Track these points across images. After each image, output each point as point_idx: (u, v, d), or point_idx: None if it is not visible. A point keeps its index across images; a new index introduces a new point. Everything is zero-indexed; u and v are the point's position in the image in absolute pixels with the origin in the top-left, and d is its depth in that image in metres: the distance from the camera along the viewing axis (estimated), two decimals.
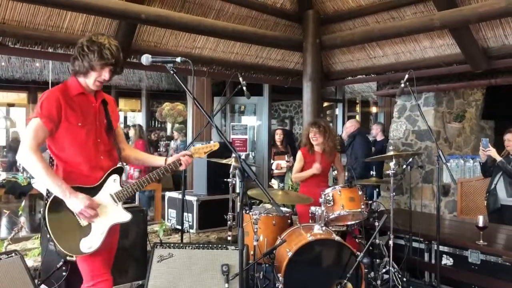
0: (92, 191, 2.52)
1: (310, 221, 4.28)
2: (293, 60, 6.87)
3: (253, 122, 9.70)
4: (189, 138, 7.04)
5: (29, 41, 4.67)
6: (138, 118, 14.57)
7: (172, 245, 3.63)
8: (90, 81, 2.54)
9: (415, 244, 4.40)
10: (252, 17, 5.93)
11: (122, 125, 14.48)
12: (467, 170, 7.01)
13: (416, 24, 5.21)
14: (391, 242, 4.05)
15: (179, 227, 4.92)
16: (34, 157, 2.38)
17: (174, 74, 2.55)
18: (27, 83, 11.11)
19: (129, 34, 5.08)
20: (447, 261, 4.16)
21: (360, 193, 4.18)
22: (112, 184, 2.60)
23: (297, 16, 6.27)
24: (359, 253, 3.64)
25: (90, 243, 2.46)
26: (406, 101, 7.34)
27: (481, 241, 3.85)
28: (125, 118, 15.76)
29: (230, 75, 5.61)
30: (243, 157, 8.34)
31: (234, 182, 4.19)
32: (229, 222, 4.25)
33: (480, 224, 3.84)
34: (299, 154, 4.80)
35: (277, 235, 4.12)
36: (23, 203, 5.41)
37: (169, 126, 13.01)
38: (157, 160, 2.89)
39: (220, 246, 3.74)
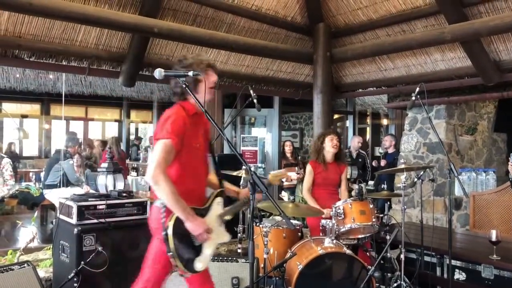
0: (203, 212, 2.61)
1: (321, 234, 4.26)
2: (304, 73, 6.90)
3: (263, 134, 9.73)
4: None
5: (44, 54, 4.77)
6: (150, 129, 14.68)
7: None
8: (201, 93, 2.63)
9: (426, 258, 4.35)
10: (263, 30, 5.99)
11: (133, 137, 14.61)
12: (479, 183, 6.93)
13: (427, 37, 5.22)
14: (402, 256, 4.01)
15: None
16: (164, 181, 2.41)
17: (187, 88, 2.57)
18: (40, 95, 11.28)
19: (142, 47, 5.16)
20: (459, 275, 4.10)
21: (371, 206, 4.16)
22: (217, 207, 2.71)
23: (308, 30, 6.32)
24: (370, 267, 3.61)
25: (203, 262, 2.56)
26: (417, 113, 7.32)
27: (495, 256, 3.79)
28: (137, 129, 15.89)
29: (241, 88, 5.65)
30: (253, 169, 8.36)
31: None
32: (239, 235, 4.24)
33: (493, 238, 3.79)
34: (308, 167, 4.78)
35: (288, 248, 4.10)
36: (35, 214, 5.46)
37: None
38: (233, 191, 2.98)
39: (230, 258, 3.75)
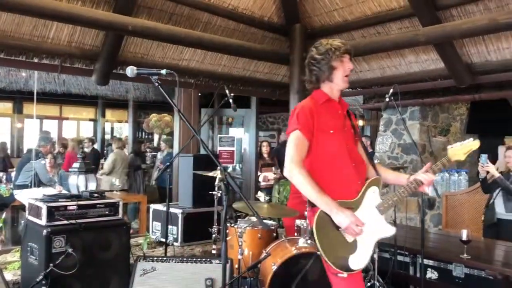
0: (354, 205, 2.42)
1: (296, 234, 4.26)
2: (281, 73, 6.91)
3: (240, 134, 9.71)
4: (176, 150, 7.01)
5: (14, 51, 4.63)
6: (125, 129, 14.49)
7: (155, 258, 3.58)
8: (338, 80, 2.51)
9: (400, 258, 4.40)
10: (239, 30, 5.97)
11: (108, 136, 14.41)
12: (452, 183, 7.07)
13: (401, 39, 5.28)
14: (376, 256, 4.04)
15: (164, 240, 4.86)
16: (301, 174, 2.32)
17: (159, 86, 2.53)
18: (12, 93, 10.99)
19: (116, 45, 5.07)
20: (431, 274, 4.16)
21: None
22: (372, 196, 2.48)
23: (284, 30, 6.32)
24: None
25: (359, 259, 2.36)
26: (391, 114, 7.42)
27: (465, 255, 3.86)
28: (112, 129, 15.67)
29: (217, 87, 5.62)
30: (230, 169, 8.29)
31: (219, 195, 4.17)
32: (214, 235, 4.21)
33: (464, 238, 3.86)
34: None
35: (263, 248, 4.08)
36: (3, 215, 5.32)
37: (156, 137, 12.95)
38: (401, 179, 2.67)
39: (204, 259, 3.70)
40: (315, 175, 2.39)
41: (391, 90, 3.87)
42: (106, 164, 8.18)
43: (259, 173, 7.81)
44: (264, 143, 8.03)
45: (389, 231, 2.49)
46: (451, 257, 4.00)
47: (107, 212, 3.82)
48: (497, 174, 4.75)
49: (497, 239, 4.68)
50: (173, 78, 2.47)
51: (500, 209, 4.79)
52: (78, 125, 14.75)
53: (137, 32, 4.79)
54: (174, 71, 2.48)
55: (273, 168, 7.74)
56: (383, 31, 5.71)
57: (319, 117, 2.43)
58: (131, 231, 4.80)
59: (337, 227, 2.33)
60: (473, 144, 2.57)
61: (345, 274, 2.35)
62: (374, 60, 6.12)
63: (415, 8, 5.09)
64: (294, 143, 2.37)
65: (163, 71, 2.46)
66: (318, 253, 2.28)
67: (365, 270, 4.21)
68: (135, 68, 2.50)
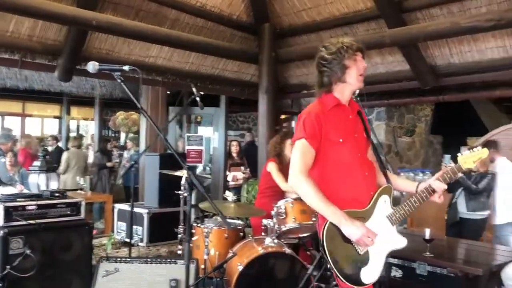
0: (365, 215, 2.28)
1: (263, 234, 4.25)
2: (250, 72, 6.89)
3: (209, 133, 9.65)
4: (142, 149, 6.89)
5: None
6: (92, 127, 14.17)
7: (119, 259, 3.49)
8: (352, 80, 2.33)
9: None
10: (208, 27, 5.92)
11: (74, 134, 14.06)
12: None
13: (367, 41, 5.31)
14: None
15: (129, 240, 4.77)
16: (308, 183, 2.18)
17: (122, 83, 2.46)
18: None
19: (79, 40, 4.95)
20: (396, 272, 4.21)
21: None
22: (383, 206, 2.33)
23: (253, 29, 6.32)
24: (309, 266, 3.64)
25: (371, 273, 2.22)
26: None
27: (428, 253, 3.92)
28: (78, 127, 15.30)
29: (185, 85, 5.55)
30: (200, 169, 8.21)
31: (186, 194, 4.10)
32: (180, 236, 4.15)
33: (427, 236, 3.92)
34: (274, 165, 4.62)
35: (229, 248, 4.05)
36: None
37: (123, 135, 12.72)
38: (410, 187, 2.54)
39: (169, 260, 3.64)
40: (324, 185, 2.26)
41: (357, 91, 3.89)
42: (61, 163, 7.98)
43: (228, 173, 7.77)
44: (234, 143, 7.99)
45: (401, 242, 2.38)
46: (414, 256, 4.05)
47: (68, 212, 3.71)
48: (459, 174, 4.86)
49: (460, 238, 4.79)
50: (137, 75, 2.41)
51: (462, 208, 4.91)
52: (42, 123, 14.33)
53: (102, 27, 4.68)
54: (140, 68, 2.41)
55: (242, 167, 7.72)
56: (351, 32, 5.76)
57: (327, 124, 2.27)
58: (95, 231, 4.69)
59: (348, 239, 2.18)
60: (482, 152, 2.49)
61: None
62: None
63: (381, 10, 5.17)
64: (300, 152, 2.24)
65: (126, 68, 2.40)
66: (329, 266, 2.16)
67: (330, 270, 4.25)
68: (97, 63, 2.42)
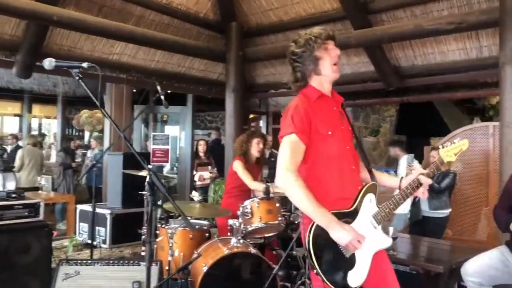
0: (351, 215, 2.14)
1: (229, 234, 4.21)
2: (217, 71, 6.84)
3: (176, 132, 9.53)
4: (106, 148, 6.74)
5: None
6: (54, 125, 13.78)
7: (79, 261, 3.39)
8: (326, 71, 2.18)
9: None
10: (174, 25, 5.84)
11: (35, 133, 13.64)
12: None
13: None
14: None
15: (90, 241, 4.65)
16: (297, 184, 2.03)
17: (80, 81, 2.37)
18: None
19: (39, 36, 4.79)
20: None
21: (277, 205, 4.18)
22: (369, 205, 2.20)
23: (221, 28, 6.27)
24: (275, 266, 3.63)
25: (358, 275, 2.11)
26: None
27: (391, 251, 3.98)
28: (40, 125, 14.85)
29: (150, 83, 5.46)
30: (167, 168, 8.06)
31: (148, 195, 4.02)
32: (143, 237, 4.07)
33: (390, 234, 3.97)
34: (240, 163, 4.54)
35: (194, 249, 4.00)
36: None
37: (87, 134, 12.42)
38: (392, 182, 2.42)
39: (132, 262, 3.57)
40: (313, 182, 2.15)
41: None
42: (16, 160, 7.73)
43: (195, 172, 7.70)
44: (201, 142, 7.91)
45: (386, 242, 2.25)
46: None
47: (26, 214, 3.58)
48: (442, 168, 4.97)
49: (422, 235, 4.90)
50: (96, 72, 2.33)
51: (424, 207, 5.01)
52: (1, 121, 13.84)
53: (63, 23, 4.54)
54: (104, 65, 2.34)
55: (209, 167, 7.66)
56: None
57: (315, 117, 2.13)
58: (56, 233, 4.55)
59: (334, 243, 2.08)
60: (462, 144, 2.42)
61: None
62: None
63: (347, 11, 5.22)
64: (289, 148, 2.08)
65: (85, 65, 2.31)
66: (315, 271, 2.05)
67: (297, 268, 4.26)
68: (53, 60, 2.33)
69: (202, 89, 6.93)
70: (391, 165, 8.12)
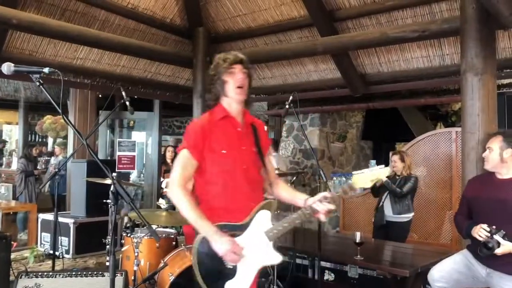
0: (240, 229, 2.26)
1: None
2: (184, 77, 6.78)
3: (142, 138, 9.37)
4: (69, 155, 6.55)
5: None
6: (15, 131, 13.31)
7: (40, 273, 3.27)
8: (231, 93, 2.31)
9: (299, 261, 4.48)
10: (140, 30, 5.74)
11: None
12: None
13: (301, 48, 5.43)
14: None
15: (51, 252, 4.49)
16: (180, 193, 2.20)
17: (41, 86, 2.28)
18: None
19: None
20: (329, 276, 4.28)
21: None
22: (262, 221, 2.30)
23: (188, 33, 6.21)
24: None
25: (237, 286, 2.20)
26: (294, 121, 7.62)
27: (359, 256, 4.01)
28: (1, 131, 14.33)
29: (114, 89, 5.34)
30: (134, 175, 7.92)
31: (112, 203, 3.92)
32: (108, 246, 3.96)
33: (357, 240, 4.01)
34: None
35: (161, 258, 3.93)
36: None
37: (50, 140, 12.05)
38: (298, 201, 2.46)
39: (96, 273, 3.46)
40: (205, 194, 2.33)
41: (290, 98, 3.93)
42: None
43: (162, 179, 7.58)
44: (169, 148, 7.81)
45: (275, 259, 2.33)
46: (346, 259, 4.15)
47: None
48: (384, 178, 5.02)
49: (386, 240, 4.96)
50: (59, 77, 2.25)
51: (388, 212, 5.07)
52: None
53: (23, 26, 4.38)
54: (67, 70, 2.26)
55: None
56: (285, 39, 5.83)
57: (211, 135, 2.30)
58: (15, 244, 4.38)
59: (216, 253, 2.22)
60: (382, 172, 2.43)
61: None
62: (276, 67, 6.24)
63: (314, 19, 5.27)
64: (180, 162, 2.28)
65: (46, 70, 2.22)
66: (196, 278, 2.20)
67: (265, 275, 4.24)
68: (12, 64, 2.24)
69: (169, 94, 6.84)
70: (358, 169, 8.24)
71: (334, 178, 7.33)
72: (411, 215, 5.05)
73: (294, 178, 4.51)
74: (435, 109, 9.02)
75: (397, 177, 5.04)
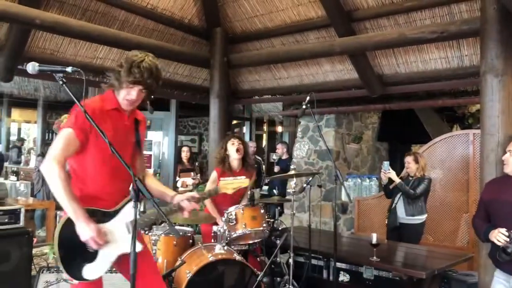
0: (107, 216, 2.37)
1: (213, 241, 4.19)
2: (201, 77, 6.83)
3: (159, 138, 9.46)
4: None
5: None
6: (34, 130, 13.53)
7: (61, 269, 3.32)
8: (121, 99, 2.42)
9: (314, 262, 4.49)
10: (158, 30, 5.81)
11: (14, 137, 13.39)
12: (363, 188, 7.39)
13: (318, 49, 5.44)
14: (291, 260, 4.08)
15: None
16: (57, 171, 2.19)
17: (64, 85, 2.33)
18: None
19: (21, 39, 4.71)
20: (344, 277, 4.29)
21: (262, 211, 4.18)
22: (130, 211, 2.36)
23: (205, 33, 6.27)
24: (259, 272, 3.62)
25: (95, 269, 2.30)
26: (309, 121, 7.62)
27: (375, 258, 4.01)
28: (19, 130, 14.58)
29: None
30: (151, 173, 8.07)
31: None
32: None
33: (373, 241, 4.01)
34: (214, 175, 4.54)
35: (178, 256, 3.97)
36: None
37: None
38: (166, 196, 2.63)
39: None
40: (80, 177, 2.38)
41: (307, 98, 3.94)
42: None
43: (177, 178, 7.64)
44: (185, 148, 7.88)
45: (136, 247, 2.43)
46: (361, 260, 4.15)
47: (6, 220, 3.52)
48: (397, 180, 5.01)
49: (399, 241, 4.95)
50: (81, 76, 2.29)
51: (401, 213, 5.04)
52: None
53: (46, 26, 4.47)
54: (87, 70, 2.31)
55: (192, 173, 7.62)
56: (302, 40, 5.85)
57: (100, 122, 2.29)
58: (35, 240, 4.46)
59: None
60: (242, 182, 2.81)
61: (75, 282, 2.33)
62: (293, 68, 6.25)
63: (331, 19, 5.27)
64: (64, 140, 2.27)
65: (69, 69, 2.26)
66: (54, 256, 2.26)
67: (280, 275, 4.25)
68: (36, 64, 2.29)
69: (186, 94, 6.90)
70: (373, 171, 8.20)
71: (349, 180, 7.32)
72: (424, 217, 5.03)
73: (310, 178, 4.50)
74: (451, 111, 8.93)
75: (411, 178, 5.02)
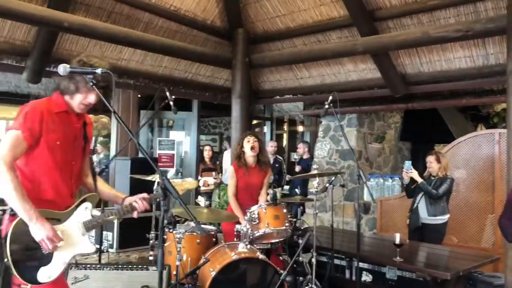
0: (62, 217, 2.37)
1: (236, 239, 4.23)
2: (223, 77, 6.88)
3: (181, 138, 9.58)
4: (113, 153, 6.77)
5: None
6: None
7: (88, 266, 3.42)
8: (74, 102, 2.42)
9: (337, 261, 4.49)
10: (181, 31, 5.88)
11: None
12: (386, 188, 7.34)
13: (340, 48, 5.43)
14: (314, 260, 4.10)
15: (98, 246, 4.67)
16: (9, 175, 2.18)
17: (94, 86, 2.40)
18: None
19: (49, 41, 4.84)
20: (366, 277, 4.28)
21: (284, 211, 4.21)
22: (83, 213, 2.45)
23: (227, 34, 6.31)
24: (282, 271, 3.65)
25: (50, 272, 2.27)
26: (330, 121, 7.60)
27: (398, 258, 3.99)
28: None
29: (158, 89, 5.49)
30: (172, 173, 8.16)
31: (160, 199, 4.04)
32: (151, 241, 4.09)
33: (397, 241, 3.99)
34: (231, 170, 4.67)
35: (202, 254, 4.02)
36: None
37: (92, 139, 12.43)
38: (118, 198, 2.66)
39: (140, 267, 3.60)
40: (31, 180, 2.35)
41: (330, 98, 3.95)
42: None
43: (199, 178, 7.73)
44: (207, 147, 7.96)
45: (88, 249, 2.47)
46: (384, 260, 4.13)
47: None
48: (419, 180, 4.96)
49: (422, 242, 4.90)
50: (109, 78, 2.36)
51: (423, 213, 4.99)
52: (7, 125, 13.88)
53: (73, 29, 4.58)
54: (112, 71, 2.35)
55: (214, 173, 7.69)
56: (324, 39, 5.84)
57: (48, 125, 2.33)
58: None
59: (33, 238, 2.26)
60: (190, 184, 3.13)
61: (28, 286, 2.26)
62: (315, 67, 6.25)
63: (354, 19, 5.25)
64: (11, 142, 2.24)
65: (99, 70, 2.33)
66: (5, 260, 2.18)
67: (303, 274, 4.27)
68: (68, 65, 2.35)
69: (208, 95, 6.96)
70: (396, 171, 8.13)
71: (372, 180, 7.27)
72: (446, 217, 4.97)
73: (333, 178, 4.50)
74: (476, 110, 8.79)
75: (433, 178, 4.97)
